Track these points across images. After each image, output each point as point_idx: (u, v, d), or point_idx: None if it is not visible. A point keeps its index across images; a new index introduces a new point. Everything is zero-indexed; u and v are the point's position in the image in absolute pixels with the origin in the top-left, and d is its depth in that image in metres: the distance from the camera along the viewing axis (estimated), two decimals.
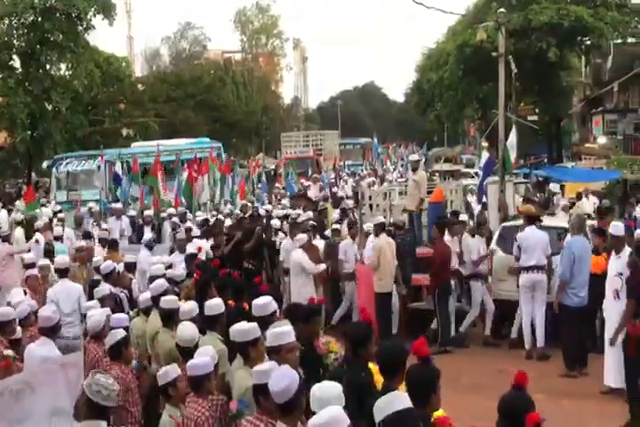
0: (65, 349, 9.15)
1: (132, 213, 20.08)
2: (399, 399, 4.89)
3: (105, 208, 20.99)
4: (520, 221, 14.42)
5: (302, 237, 14.00)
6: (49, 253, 14.42)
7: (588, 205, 20.44)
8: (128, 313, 9.87)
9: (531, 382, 11.61)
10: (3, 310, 9.00)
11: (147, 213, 19.38)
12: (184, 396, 6.48)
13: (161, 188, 21.07)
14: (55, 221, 18.51)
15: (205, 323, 8.00)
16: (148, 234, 17.74)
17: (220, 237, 15.76)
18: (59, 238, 16.48)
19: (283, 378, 5.03)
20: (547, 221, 14.58)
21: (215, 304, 8.08)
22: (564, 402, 10.78)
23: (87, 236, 16.57)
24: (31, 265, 12.94)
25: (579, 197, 22.35)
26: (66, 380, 5.81)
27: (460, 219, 15.55)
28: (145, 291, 10.24)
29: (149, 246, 15.13)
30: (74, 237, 17.16)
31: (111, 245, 15.17)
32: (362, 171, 40.28)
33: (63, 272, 11.68)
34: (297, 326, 7.33)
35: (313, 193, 26.40)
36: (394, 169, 46.64)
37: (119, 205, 20.27)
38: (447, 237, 14.19)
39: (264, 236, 16.08)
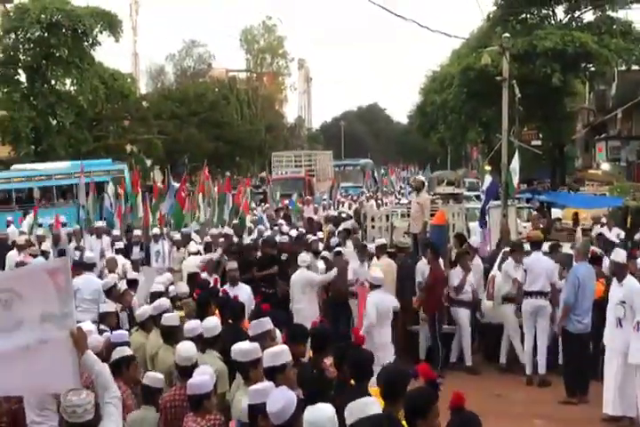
0: None
1: (116, 232, 19.57)
2: (371, 406, 4.96)
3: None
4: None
5: (305, 257, 13.91)
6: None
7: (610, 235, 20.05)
8: (128, 331, 9.83)
9: (530, 408, 11.61)
10: None
11: (136, 232, 18.91)
12: None
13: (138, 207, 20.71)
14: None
15: (204, 342, 8.01)
16: (136, 254, 17.48)
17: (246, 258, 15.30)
18: (45, 253, 16.60)
19: (280, 399, 4.99)
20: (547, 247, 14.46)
21: (213, 325, 8.17)
22: None
23: (62, 254, 16.26)
24: None
25: (575, 222, 22.30)
26: (55, 285, 5.70)
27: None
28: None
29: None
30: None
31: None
32: (362, 192, 40.21)
33: (88, 267, 13.00)
34: (298, 347, 7.32)
35: (307, 214, 26.29)
36: (392, 192, 46.56)
37: (101, 224, 19.81)
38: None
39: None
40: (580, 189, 36.78)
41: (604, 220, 21.85)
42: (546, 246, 14.19)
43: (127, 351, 7.60)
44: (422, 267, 14.05)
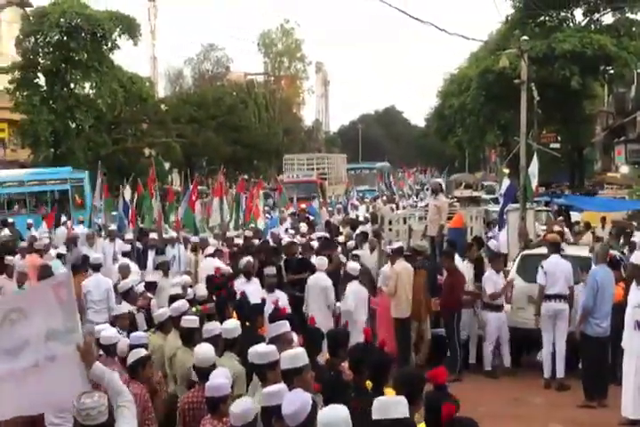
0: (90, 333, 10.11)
1: (129, 236, 19.21)
2: (401, 406, 4.87)
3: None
4: (541, 250, 14.30)
5: (324, 261, 13.89)
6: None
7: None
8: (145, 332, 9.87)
9: (549, 412, 11.54)
10: None
11: (151, 236, 18.63)
12: None
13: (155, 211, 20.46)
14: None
15: (224, 344, 8.01)
16: (151, 258, 17.36)
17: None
18: (61, 256, 16.58)
19: (295, 401, 5.00)
20: (568, 250, 14.38)
21: (232, 327, 8.16)
22: None
23: (83, 258, 15.88)
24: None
25: (587, 226, 22.17)
26: (57, 300, 5.70)
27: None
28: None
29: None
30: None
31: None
32: (377, 196, 40.03)
33: (96, 267, 13.82)
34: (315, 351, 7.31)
35: (322, 218, 26.19)
36: (409, 195, 46.33)
37: (114, 228, 19.57)
38: None
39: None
40: (596, 193, 36.48)
41: (634, 222, 21.72)
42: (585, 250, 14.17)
43: (142, 352, 7.65)
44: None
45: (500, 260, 14.31)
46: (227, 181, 30.16)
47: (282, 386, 5.61)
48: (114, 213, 22.48)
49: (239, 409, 5.66)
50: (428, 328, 13.95)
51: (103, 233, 19.89)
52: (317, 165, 45.66)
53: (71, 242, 18.55)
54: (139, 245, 18.57)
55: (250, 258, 14.16)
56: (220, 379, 6.43)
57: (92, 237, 18.82)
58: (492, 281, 13.71)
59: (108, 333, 8.76)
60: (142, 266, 16.83)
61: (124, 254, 16.83)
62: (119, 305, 10.88)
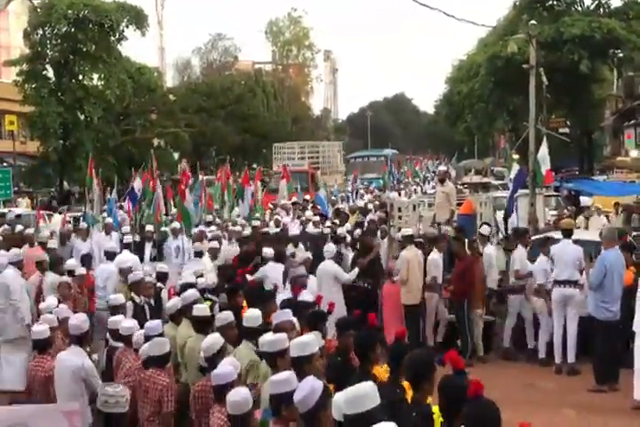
0: (99, 320, 12.04)
1: (126, 229, 18.70)
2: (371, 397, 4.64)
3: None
4: (552, 235, 14.29)
5: (332, 247, 13.93)
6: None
7: None
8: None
9: (560, 396, 11.55)
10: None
11: (148, 228, 18.08)
12: None
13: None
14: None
15: (242, 333, 8.01)
16: (148, 251, 17.20)
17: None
18: (50, 251, 16.36)
19: (305, 387, 5.02)
20: (579, 234, 14.33)
21: (254, 316, 8.05)
22: (592, 418, 10.65)
23: (84, 260, 15.32)
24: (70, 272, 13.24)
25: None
26: (70, 426, 5.85)
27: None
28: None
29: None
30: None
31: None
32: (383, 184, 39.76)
33: (110, 256, 14.36)
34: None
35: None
36: (417, 183, 46.04)
37: (111, 221, 18.98)
38: None
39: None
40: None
41: None
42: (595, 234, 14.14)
43: (167, 346, 7.78)
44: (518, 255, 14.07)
45: (547, 243, 13.69)
46: (235, 170, 29.85)
47: (289, 373, 5.61)
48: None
49: (235, 398, 5.67)
50: (482, 315, 13.96)
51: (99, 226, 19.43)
52: (309, 154, 44.40)
53: (65, 236, 18.28)
54: (137, 238, 18.19)
55: (309, 255, 14.28)
56: (226, 367, 6.45)
57: (85, 231, 18.27)
58: (543, 270, 13.41)
59: (128, 323, 8.86)
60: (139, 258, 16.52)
61: (126, 246, 16.45)
62: (115, 296, 10.87)
